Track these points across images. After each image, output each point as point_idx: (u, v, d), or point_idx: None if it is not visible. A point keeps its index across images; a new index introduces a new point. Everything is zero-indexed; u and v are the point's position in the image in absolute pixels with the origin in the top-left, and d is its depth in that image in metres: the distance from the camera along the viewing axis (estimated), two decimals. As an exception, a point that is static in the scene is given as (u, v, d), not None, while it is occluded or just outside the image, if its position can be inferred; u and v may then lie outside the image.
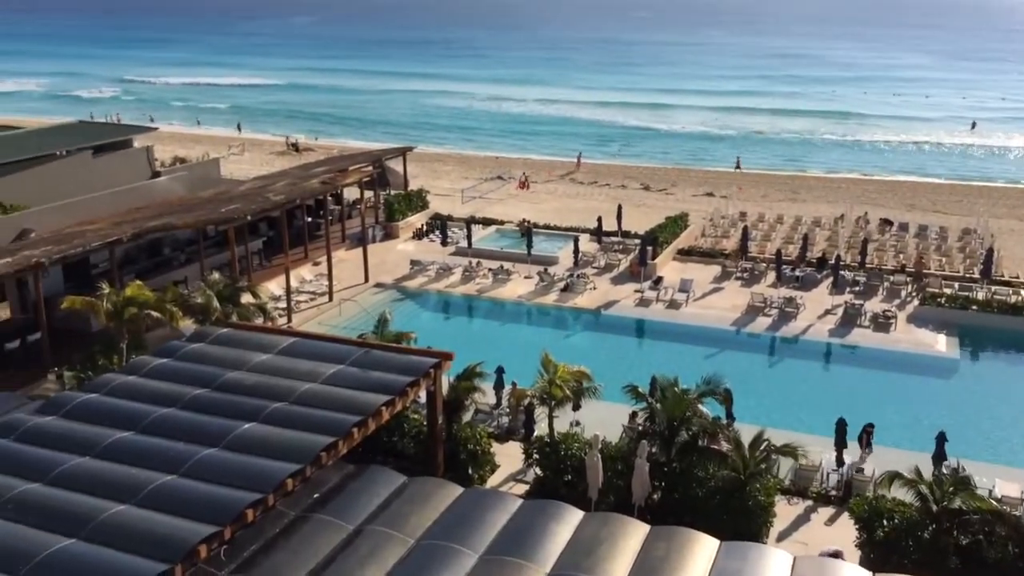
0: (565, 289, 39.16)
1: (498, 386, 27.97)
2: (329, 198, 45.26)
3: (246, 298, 29.43)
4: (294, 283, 37.60)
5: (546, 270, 40.93)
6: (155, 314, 26.91)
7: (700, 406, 22.28)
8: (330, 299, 37.77)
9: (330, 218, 44.17)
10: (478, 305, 39.18)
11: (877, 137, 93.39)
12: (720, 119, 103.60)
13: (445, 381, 23.16)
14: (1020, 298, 36.31)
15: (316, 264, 41.66)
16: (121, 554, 13.84)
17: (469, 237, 44.48)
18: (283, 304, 35.69)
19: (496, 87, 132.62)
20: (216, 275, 30.91)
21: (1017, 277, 39.63)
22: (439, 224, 46.91)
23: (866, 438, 24.88)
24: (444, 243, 45.00)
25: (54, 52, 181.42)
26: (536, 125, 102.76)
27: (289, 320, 34.71)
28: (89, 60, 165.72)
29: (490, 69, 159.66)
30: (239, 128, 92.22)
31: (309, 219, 45.14)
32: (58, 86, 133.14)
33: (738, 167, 72.43)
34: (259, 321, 28.13)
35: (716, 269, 42.03)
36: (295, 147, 78.27)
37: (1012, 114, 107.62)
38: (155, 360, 20.79)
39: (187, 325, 27.50)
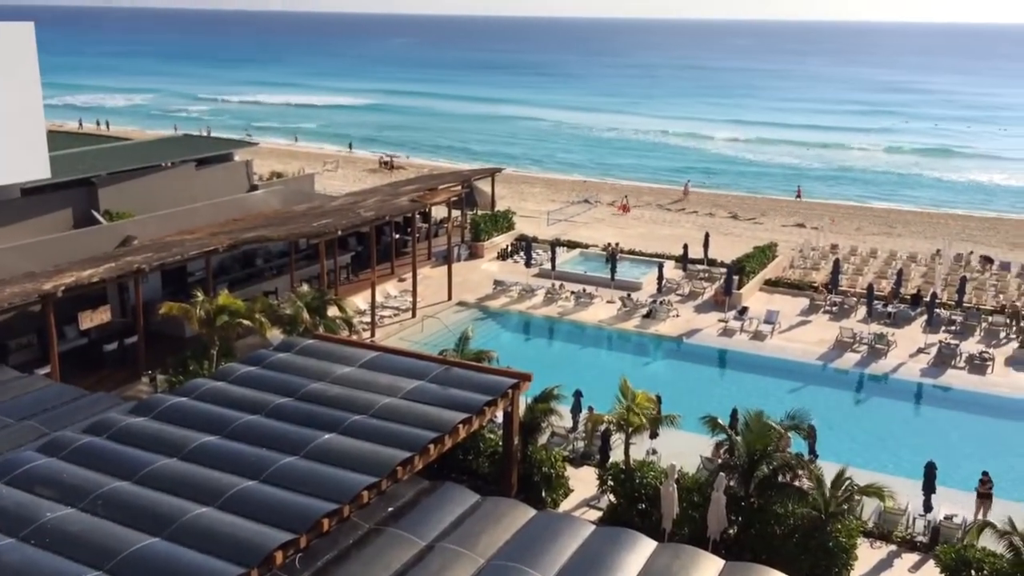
0: (647, 315, 38.81)
1: (575, 410, 27.85)
2: (417, 216, 46.02)
3: (332, 311, 30.09)
4: (379, 298, 38.31)
5: (629, 295, 40.66)
6: (245, 322, 27.76)
7: (784, 440, 21.74)
8: (413, 315, 38.31)
9: (417, 236, 44.94)
10: (559, 328, 39.17)
11: (980, 173, 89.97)
12: (815, 150, 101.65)
13: (523, 402, 23.20)
14: None
15: (401, 280, 42.40)
16: (200, 555, 14.24)
17: (553, 259, 44.57)
18: (368, 318, 36.40)
19: (579, 113, 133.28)
20: (305, 287, 31.75)
21: None
22: (524, 245, 47.15)
23: (982, 488, 23.50)
24: (528, 264, 45.20)
25: (160, 70, 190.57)
26: (626, 150, 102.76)
27: (373, 334, 35.34)
28: (193, 78, 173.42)
29: (579, 95, 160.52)
30: (350, 147, 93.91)
31: (397, 236, 46.07)
32: (161, 103, 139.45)
33: (799, 196, 70.58)
34: (344, 334, 28.73)
35: (804, 302, 41.04)
36: (388, 165, 79.94)
37: None
38: (243, 367, 21.42)
39: (275, 335, 28.30)
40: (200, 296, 28.53)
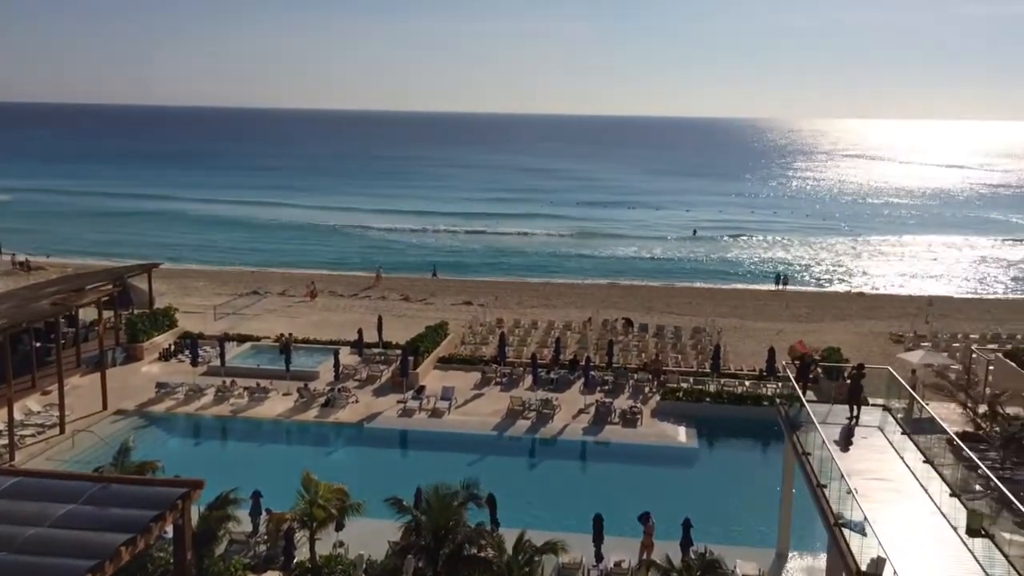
0: (326, 404, 38.25)
1: (255, 512, 26.46)
2: (62, 320, 41.58)
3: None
4: (18, 415, 33.92)
5: (306, 385, 39.85)
6: None
7: (464, 514, 22.27)
8: (62, 431, 34.38)
9: (63, 342, 40.51)
10: (233, 426, 37.23)
11: (616, 247, 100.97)
12: (472, 236, 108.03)
13: (195, 512, 21.59)
14: (745, 388, 40.08)
15: (45, 393, 37.83)
16: None
17: (222, 355, 42.54)
18: (5, 440, 31.96)
19: (241, 205, 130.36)
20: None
21: (741, 369, 43.78)
22: (188, 343, 44.54)
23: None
24: (194, 363, 42.68)
25: None
26: (298, 239, 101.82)
27: (12, 458, 31.10)
28: None
29: (239, 185, 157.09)
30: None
31: (39, 344, 41.11)
32: None
33: (434, 274, 75.06)
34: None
35: (477, 375, 42.94)
36: (24, 266, 71.75)
37: (727, 224, 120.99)
38: None
39: None
40: None
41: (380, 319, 48.64)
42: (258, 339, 48.01)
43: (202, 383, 40.09)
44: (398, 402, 38.84)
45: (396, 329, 49.32)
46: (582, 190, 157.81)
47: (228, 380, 40.29)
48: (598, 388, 40.94)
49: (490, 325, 52.93)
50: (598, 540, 25.42)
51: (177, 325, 49.36)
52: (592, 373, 41.65)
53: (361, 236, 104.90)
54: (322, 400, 38.52)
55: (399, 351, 43.20)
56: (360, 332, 46.77)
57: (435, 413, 37.81)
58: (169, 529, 20.05)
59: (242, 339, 47.85)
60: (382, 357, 44.88)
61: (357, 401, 39.09)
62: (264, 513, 26.27)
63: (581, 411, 38.31)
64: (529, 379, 42.02)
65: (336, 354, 43.30)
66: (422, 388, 39.85)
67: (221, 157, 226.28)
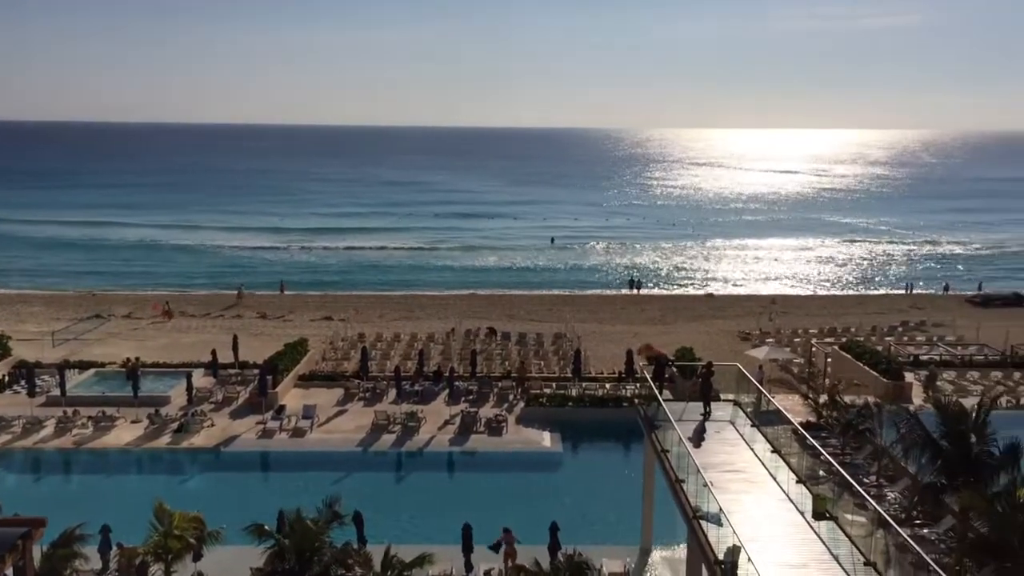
0: (179, 430, 36.56)
1: (104, 548, 24.95)
2: None
3: None
4: None
5: (157, 411, 38.00)
6: None
7: (329, 534, 21.73)
8: None
9: None
10: (77, 459, 34.98)
11: (476, 258, 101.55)
12: (329, 251, 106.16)
13: (38, 551, 20.14)
14: (606, 391, 41.10)
15: None
16: None
17: (62, 384, 39.95)
18: None
19: (83, 226, 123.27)
20: None
21: (602, 373, 44.87)
22: (24, 373, 41.60)
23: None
24: (32, 394, 39.86)
25: None
26: (145, 259, 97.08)
27: None
28: None
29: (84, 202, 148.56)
30: None
31: None
32: None
33: (281, 291, 73.66)
34: None
35: (339, 392, 42.13)
36: None
37: (583, 231, 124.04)
38: None
39: None
40: None
41: (235, 338, 46.98)
42: (102, 365, 45.37)
43: (41, 414, 37.54)
44: (257, 423, 37.59)
45: (253, 348, 47.79)
46: (440, 203, 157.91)
47: (70, 410, 37.85)
48: (463, 398, 40.99)
49: (351, 340, 52.10)
50: (467, 550, 25.41)
51: (11, 354, 46.08)
52: (457, 383, 41.67)
53: (214, 253, 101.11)
54: (175, 425, 36.79)
55: (256, 370, 41.85)
56: (214, 353, 45.00)
57: (296, 433, 36.81)
58: (9, 572, 18.66)
59: (84, 366, 45.08)
60: (239, 378, 43.35)
61: (213, 425, 37.57)
62: (114, 548, 24.83)
63: (447, 422, 38.23)
64: (393, 392, 41.61)
65: (189, 377, 41.47)
66: (282, 408, 38.76)
67: (58, 175, 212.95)
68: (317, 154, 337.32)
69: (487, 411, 39.25)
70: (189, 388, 40.61)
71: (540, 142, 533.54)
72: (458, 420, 37.98)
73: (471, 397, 41.21)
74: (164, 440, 36.07)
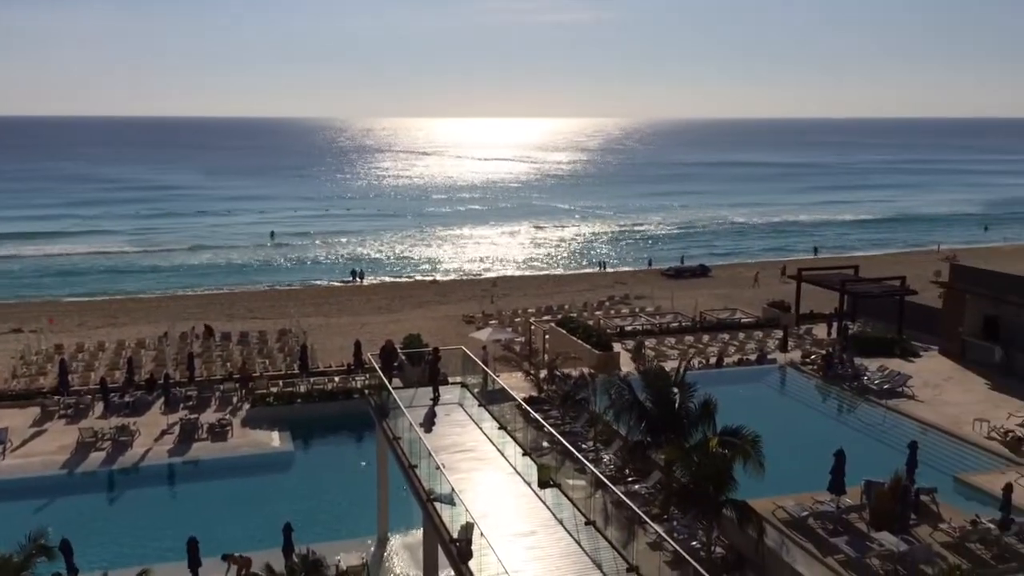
0: None
1: None
2: None
3: None
4: None
5: None
6: None
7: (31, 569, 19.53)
8: None
9: None
10: None
11: (190, 256, 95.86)
12: (10, 258, 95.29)
13: None
14: (335, 384, 40.51)
15: None
16: None
17: None
18: None
19: None
20: None
21: (330, 366, 44.16)
22: None
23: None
24: None
25: None
26: None
27: None
28: None
29: None
30: None
31: None
32: None
33: None
34: None
35: (36, 410, 37.89)
36: None
37: (302, 224, 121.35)
38: None
39: None
40: None
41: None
42: None
43: None
44: (-66, 455, 32.90)
45: (-77, 370, 41.72)
46: (141, 201, 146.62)
47: None
48: (181, 405, 38.51)
49: (47, 352, 47.06)
50: (194, 564, 23.99)
51: None
52: (173, 390, 39.10)
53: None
54: None
55: (-70, 396, 36.57)
56: None
57: (-15, 461, 32.66)
58: None
59: None
60: (-93, 406, 37.63)
61: None
62: None
63: (164, 432, 35.74)
64: (100, 406, 38.18)
65: None
66: (-35, 435, 34.20)
67: None
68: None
69: (209, 416, 37.19)
70: None
71: (239, 132, 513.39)
72: (177, 429, 35.66)
73: (191, 403, 38.81)
74: None
